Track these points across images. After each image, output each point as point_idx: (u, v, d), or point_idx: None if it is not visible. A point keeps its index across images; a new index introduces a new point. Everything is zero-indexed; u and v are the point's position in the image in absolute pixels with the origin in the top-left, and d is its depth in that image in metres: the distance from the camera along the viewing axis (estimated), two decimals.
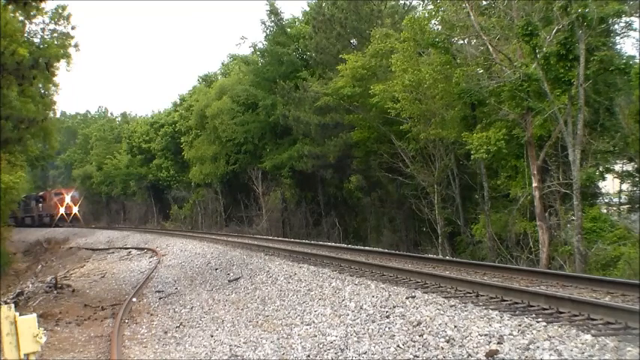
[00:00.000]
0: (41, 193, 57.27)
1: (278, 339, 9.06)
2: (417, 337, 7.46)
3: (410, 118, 20.35)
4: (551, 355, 5.97)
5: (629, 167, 17.49)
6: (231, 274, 15.29)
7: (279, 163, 30.26)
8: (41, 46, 23.21)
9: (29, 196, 55.43)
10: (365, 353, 7.49)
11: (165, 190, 46.39)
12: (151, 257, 23.19)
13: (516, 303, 8.23)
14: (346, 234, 27.66)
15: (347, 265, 13.29)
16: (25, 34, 22.12)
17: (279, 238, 24.64)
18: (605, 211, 17.14)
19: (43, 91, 23.43)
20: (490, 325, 7.12)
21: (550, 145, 15.53)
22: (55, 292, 16.86)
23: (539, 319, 7.10)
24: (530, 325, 6.87)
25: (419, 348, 7.13)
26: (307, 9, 32.08)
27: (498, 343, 6.57)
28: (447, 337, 7.13)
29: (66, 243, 37.86)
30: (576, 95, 14.22)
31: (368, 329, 8.27)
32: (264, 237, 25.00)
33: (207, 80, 45.65)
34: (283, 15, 32.78)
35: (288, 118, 27.67)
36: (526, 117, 15.29)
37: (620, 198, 18.39)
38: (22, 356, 6.27)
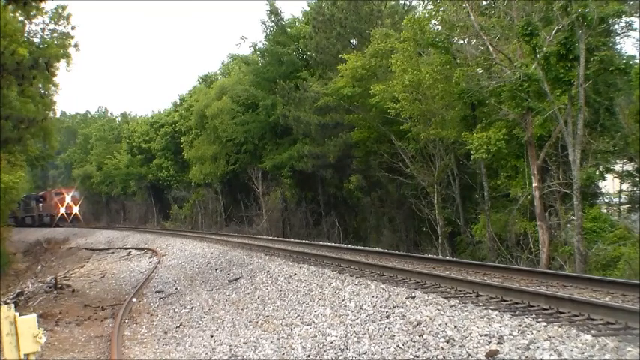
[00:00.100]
0: (42, 193, 57.27)
1: (278, 339, 9.06)
2: (417, 337, 7.46)
3: (410, 118, 20.35)
4: (551, 355, 5.97)
5: (629, 167, 17.49)
6: (231, 274, 15.29)
7: (279, 163, 30.27)
8: (41, 46, 23.18)
9: (30, 196, 55.47)
10: (365, 353, 7.49)
11: (165, 190, 46.41)
12: (151, 257, 23.19)
13: (516, 303, 8.23)
14: (346, 234, 27.67)
15: (347, 265, 13.29)
16: (25, 34, 22.09)
17: (279, 238, 24.64)
18: (605, 211, 17.14)
19: (43, 91, 23.41)
20: (490, 325, 7.12)
21: (550, 145, 15.53)
22: (55, 292, 16.86)
23: (539, 319, 7.10)
24: (530, 325, 6.87)
25: (419, 348, 7.13)
26: (307, 9, 32.10)
27: (498, 343, 6.57)
28: (447, 337, 7.13)
29: (66, 243, 37.88)
30: (576, 95, 14.22)
31: (368, 329, 8.27)
32: (264, 237, 25.01)
33: (207, 80, 45.67)
34: (283, 15, 32.85)
35: (288, 118, 27.68)
36: (526, 117, 15.29)
37: (620, 198, 18.39)
38: (22, 356, 6.27)
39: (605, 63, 14.60)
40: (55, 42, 23.65)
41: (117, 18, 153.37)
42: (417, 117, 20.08)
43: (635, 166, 16.91)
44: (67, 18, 23.94)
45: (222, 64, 46.92)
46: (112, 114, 77.45)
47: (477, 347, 6.64)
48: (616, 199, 18.48)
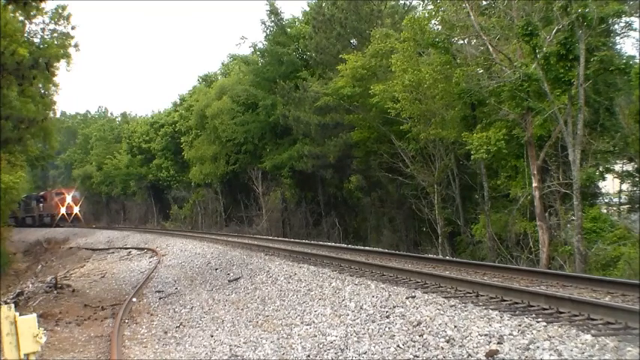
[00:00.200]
0: (42, 193, 57.29)
1: (278, 339, 9.06)
2: (417, 337, 7.46)
3: (410, 118, 20.35)
4: (551, 355, 5.97)
5: (629, 167, 17.49)
6: (231, 274, 15.29)
7: (279, 163, 30.27)
8: (41, 46, 23.17)
9: (30, 196, 55.48)
10: (365, 353, 7.49)
11: (165, 190, 46.41)
12: (151, 257, 23.20)
13: (516, 303, 8.23)
14: (346, 234, 27.67)
15: (347, 265, 13.29)
16: (25, 34, 22.08)
17: (279, 238, 24.64)
18: (605, 211, 17.14)
19: (43, 91, 23.40)
20: (490, 325, 7.12)
21: (550, 145, 15.53)
22: (55, 292, 16.86)
23: (539, 319, 7.10)
24: (530, 325, 6.87)
25: (419, 348, 7.13)
26: (307, 9, 32.12)
27: (498, 343, 6.57)
28: (447, 337, 7.13)
29: (66, 243, 37.88)
30: (576, 95, 14.22)
31: (368, 329, 8.27)
32: (264, 237, 25.01)
33: (207, 80, 45.68)
34: (283, 15, 32.87)
35: (288, 118, 27.68)
36: (526, 117, 15.29)
37: (620, 198, 18.39)
38: (22, 356, 6.27)
39: (605, 63, 14.60)
40: (55, 42, 23.65)
41: (117, 18, 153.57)
42: (417, 117, 20.08)
43: (635, 166, 16.91)
44: (67, 18, 23.94)
45: (222, 64, 47.02)
46: (112, 114, 77.61)
47: (477, 347, 6.64)
48: (616, 199, 18.48)
